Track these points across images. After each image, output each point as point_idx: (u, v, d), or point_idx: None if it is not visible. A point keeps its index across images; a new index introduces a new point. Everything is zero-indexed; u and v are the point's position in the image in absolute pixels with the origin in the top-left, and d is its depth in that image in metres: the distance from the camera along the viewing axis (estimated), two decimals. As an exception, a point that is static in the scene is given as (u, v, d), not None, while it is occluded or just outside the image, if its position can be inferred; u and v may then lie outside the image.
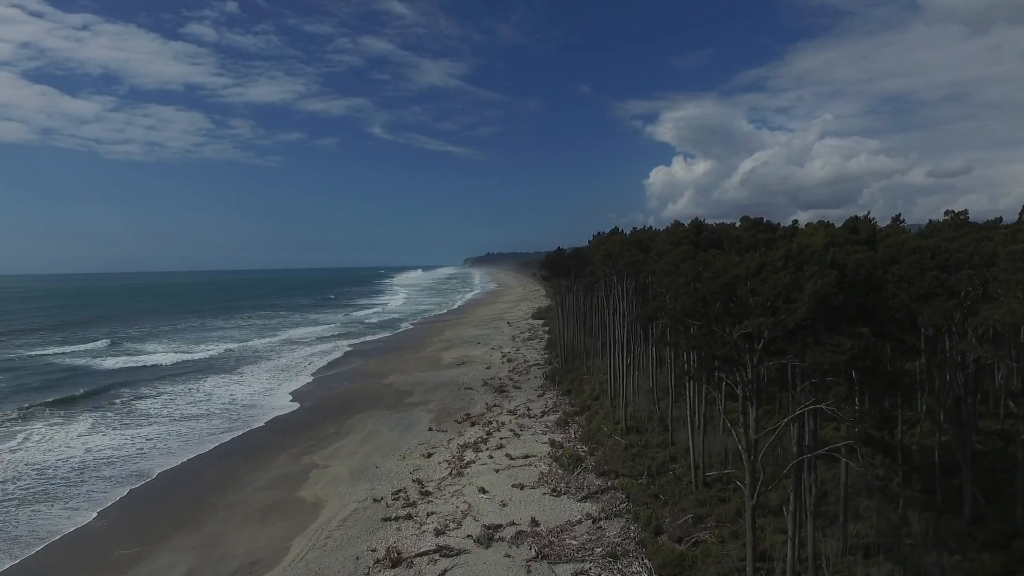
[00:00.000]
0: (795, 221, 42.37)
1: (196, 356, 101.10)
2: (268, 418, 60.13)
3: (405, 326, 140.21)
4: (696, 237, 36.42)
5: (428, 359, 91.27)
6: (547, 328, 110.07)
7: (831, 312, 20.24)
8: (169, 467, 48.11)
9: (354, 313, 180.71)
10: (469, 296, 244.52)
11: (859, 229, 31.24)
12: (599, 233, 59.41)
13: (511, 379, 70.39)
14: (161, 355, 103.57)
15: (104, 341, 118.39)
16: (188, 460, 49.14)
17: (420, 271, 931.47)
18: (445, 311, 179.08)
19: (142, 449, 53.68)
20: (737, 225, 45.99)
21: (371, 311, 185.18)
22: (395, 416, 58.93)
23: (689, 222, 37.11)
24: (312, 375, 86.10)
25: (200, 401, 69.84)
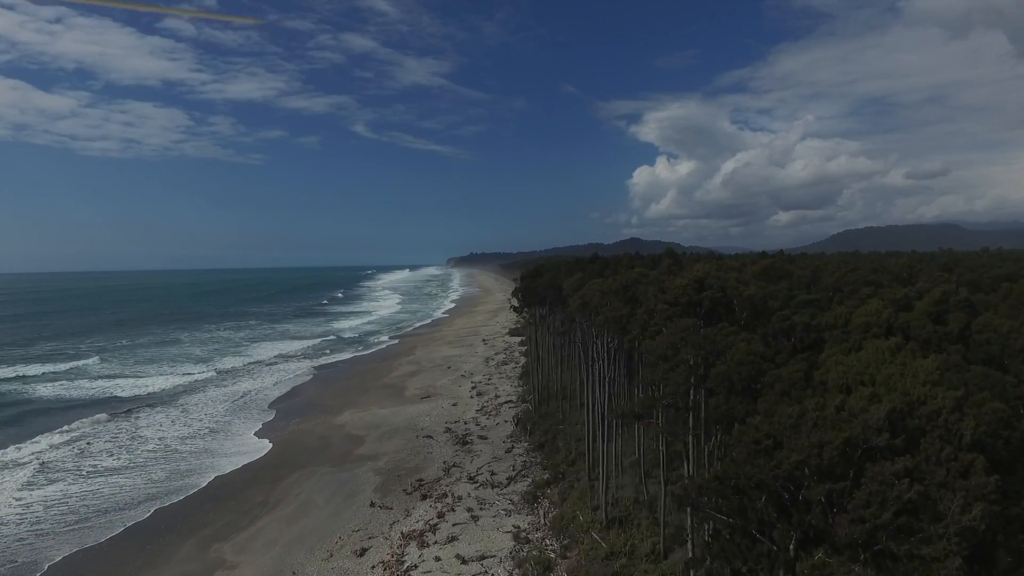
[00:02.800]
0: (816, 261, 33.32)
1: (145, 383, 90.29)
2: (195, 487, 49.68)
3: (376, 341, 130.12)
4: (697, 295, 27.39)
5: (391, 388, 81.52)
6: (524, 347, 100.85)
7: (983, 544, 11.31)
8: (52, 561, 38.19)
9: (328, 324, 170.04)
10: (448, 305, 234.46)
11: (948, 315, 21.73)
12: (577, 264, 49.96)
13: (477, 423, 60.87)
14: (106, 381, 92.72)
15: (49, 364, 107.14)
16: (73, 553, 39.05)
17: (407, 271, 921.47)
18: (421, 322, 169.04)
19: (38, 524, 43.50)
20: (745, 256, 36.86)
21: (345, 322, 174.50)
22: (337, 478, 49.20)
23: (689, 279, 27.94)
24: (269, 406, 76.12)
25: (124, 449, 59.29)
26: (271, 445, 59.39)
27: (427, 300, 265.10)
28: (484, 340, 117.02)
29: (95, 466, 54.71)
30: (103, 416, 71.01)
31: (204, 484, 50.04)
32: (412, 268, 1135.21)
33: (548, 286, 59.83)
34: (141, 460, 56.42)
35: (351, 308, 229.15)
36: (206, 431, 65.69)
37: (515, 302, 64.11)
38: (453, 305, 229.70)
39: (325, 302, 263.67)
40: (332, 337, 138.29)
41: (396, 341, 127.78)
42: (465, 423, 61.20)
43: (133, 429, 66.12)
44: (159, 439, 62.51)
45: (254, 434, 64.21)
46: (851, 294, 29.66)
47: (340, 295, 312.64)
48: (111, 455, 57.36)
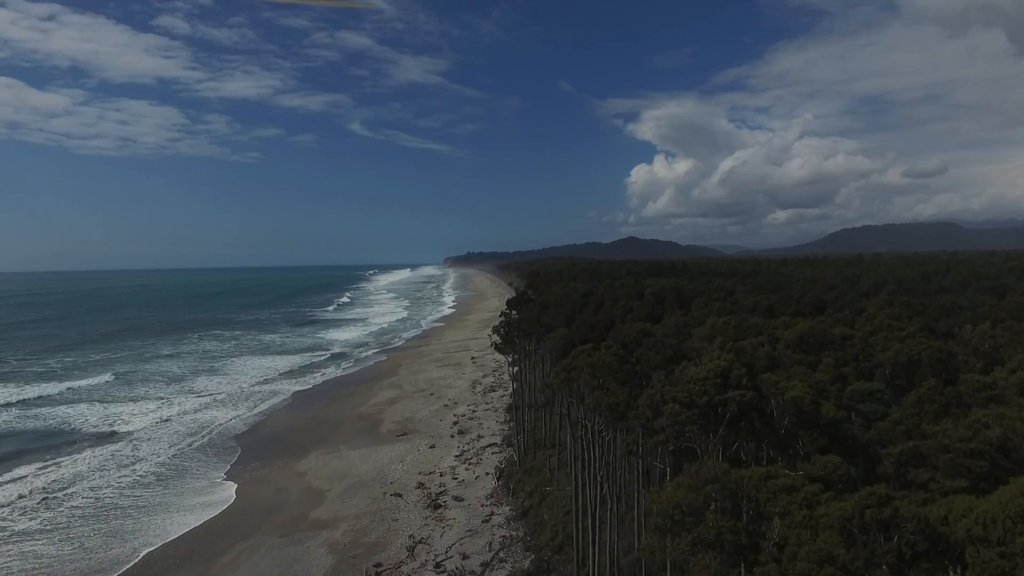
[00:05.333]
0: (859, 308, 25.24)
1: (106, 413, 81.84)
2: (120, 566, 41.57)
3: (362, 357, 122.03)
4: (720, 395, 19.35)
5: (367, 421, 73.40)
6: (516, 368, 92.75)
7: None
8: None
9: (317, 335, 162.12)
10: (444, 310, 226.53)
11: None
12: (567, 297, 41.63)
13: (454, 476, 52.65)
14: (68, 408, 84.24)
15: (12, 386, 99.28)
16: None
17: (408, 271, 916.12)
18: (413, 332, 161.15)
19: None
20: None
21: (335, 333, 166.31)
22: (283, 554, 41.03)
23: (709, 370, 19.84)
24: (234, 440, 68.42)
25: (50, 505, 50.66)
26: (221, 503, 51.45)
27: (422, 305, 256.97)
28: (473, 358, 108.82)
29: (5, 530, 46.59)
30: (39, 462, 62.62)
31: (132, 562, 42.07)
32: (413, 268, 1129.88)
33: (534, 321, 51.79)
34: (65, 521, 48.14)
35: (344, 315, 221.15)
36: (153, 478, 57.51)
37: (497, 339, 56.01)
38: (450, 311, 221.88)
39: (330, 308, 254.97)
40: (318, 352, 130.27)
41: (383, 357, 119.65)
42: (441, 475, 53.05)
43: (72, 476, 57.94)
44: (96, 490, 54.36)
45: (206, 484, 56.36)
46: (930, 396, 21.64)
47: (335, 300, 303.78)
48: (28, 514, 49.10)
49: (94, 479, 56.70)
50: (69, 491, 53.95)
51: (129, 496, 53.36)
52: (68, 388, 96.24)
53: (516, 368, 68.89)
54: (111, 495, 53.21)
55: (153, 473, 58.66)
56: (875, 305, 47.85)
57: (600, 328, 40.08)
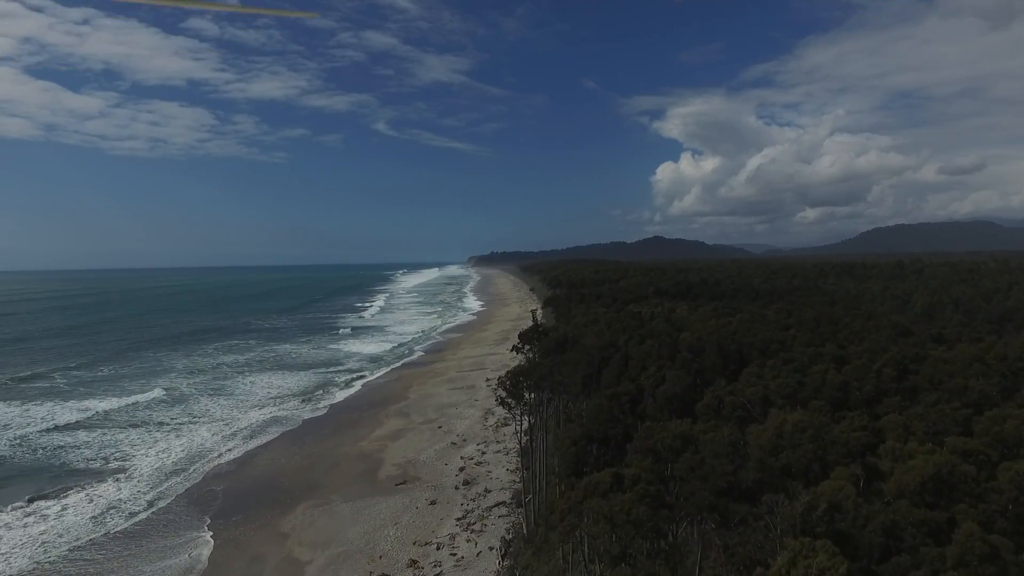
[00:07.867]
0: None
1: (98, 443, 75.60)
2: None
3: (374, 374, 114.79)
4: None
5: (366, 461, 65.46)
6: (524, 409, 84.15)
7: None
8: None
9: (334, 345, 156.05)
10: (461, 317, 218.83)
11: None
12: (583, 353, 32.80)
13: (453, 550, 43.90)
14: (64, 436, 78.05)
15: (16, 406, 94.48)
16: None
17: (437, 270, 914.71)
18: (428, 345, 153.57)
19: None
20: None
21: (353, 344, 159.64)
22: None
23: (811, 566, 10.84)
24: (215, 480, 61.45)
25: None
26: (187, 573, 44.04)
27: (443, 311, 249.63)
28: (487, 380, 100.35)
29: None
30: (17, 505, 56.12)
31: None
32: (440, 267, 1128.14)
33: (545, 375, 43.30)
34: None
35: (365, 323, 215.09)
36: (113, 538, 49.94)
37: (503, 393, 47.25)
38: (470, 318, 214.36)
39: (352, 315, 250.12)
40: (332, 368, 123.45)
41: (396, 376, 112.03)
42: (438, 547, 44.62)
43: (34, 533, 51.05)
44: (48, 547, 47.51)
45: (179, 542, 48.99)
46: None
47: (357, 304, 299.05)
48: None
49: (63, 535, 49.77)
50: (17, 551, 46.99)
51: (83, 561, 46.09)
52: (74, 412, 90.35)
53: (523, 411, 60.36)
54: (60, 561, 46.06)
55: (117, 531, 51.22)
56: (964, 360, 38.04)
57: (624, 407, 31.24)
